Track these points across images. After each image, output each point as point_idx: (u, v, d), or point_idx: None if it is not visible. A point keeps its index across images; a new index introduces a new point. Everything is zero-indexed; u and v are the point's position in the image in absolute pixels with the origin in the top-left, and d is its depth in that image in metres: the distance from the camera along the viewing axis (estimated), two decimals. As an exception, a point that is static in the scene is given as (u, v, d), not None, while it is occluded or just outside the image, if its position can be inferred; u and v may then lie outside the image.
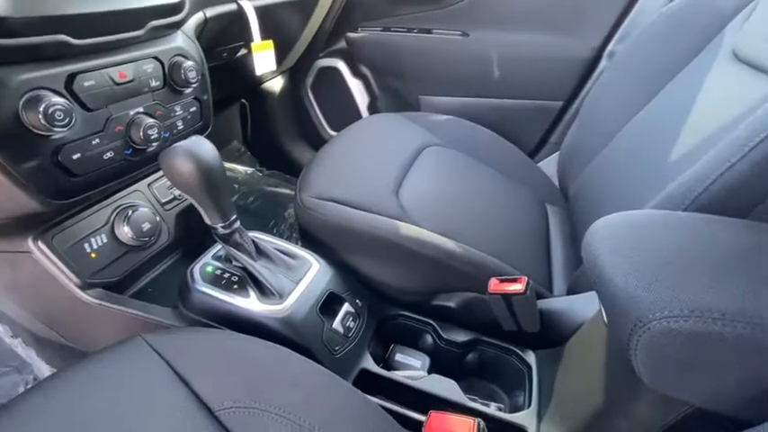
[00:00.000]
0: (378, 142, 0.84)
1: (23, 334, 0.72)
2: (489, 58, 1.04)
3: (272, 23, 0.82)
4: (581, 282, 0.59)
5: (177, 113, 0.60)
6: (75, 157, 0.47)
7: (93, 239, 0.55)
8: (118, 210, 0.58)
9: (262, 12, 0.77)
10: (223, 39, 0.77)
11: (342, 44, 1.16)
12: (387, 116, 0.95)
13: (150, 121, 0.54)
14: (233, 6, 0.72)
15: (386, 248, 0.61)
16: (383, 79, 1.17)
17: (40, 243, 0.51)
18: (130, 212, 0.59)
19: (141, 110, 0.54)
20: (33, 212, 0.48)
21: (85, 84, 0.47)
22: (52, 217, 0.52)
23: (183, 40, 0.60)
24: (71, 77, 0.45)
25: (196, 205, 0.50)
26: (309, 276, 0.57)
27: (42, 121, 0.41)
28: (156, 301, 0.60)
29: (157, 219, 0.62)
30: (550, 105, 1.04)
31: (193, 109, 0.63)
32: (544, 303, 0.57)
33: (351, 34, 1.12)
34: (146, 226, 0.60)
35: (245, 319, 0.51)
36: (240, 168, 1.44)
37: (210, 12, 0.67)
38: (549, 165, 1.04)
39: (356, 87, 1.20)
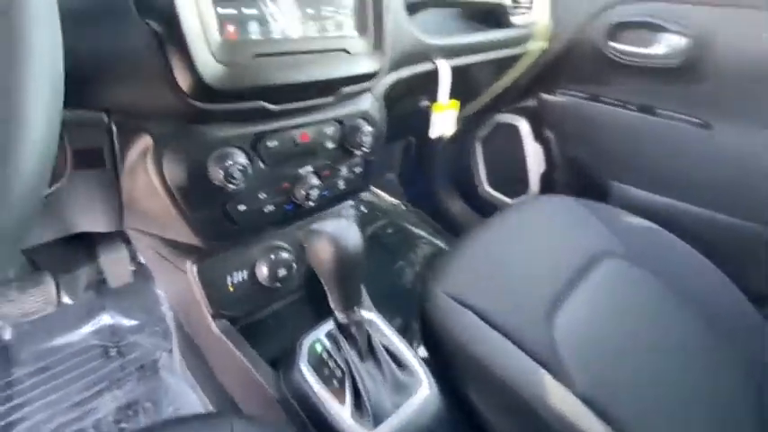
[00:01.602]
0: (544, 235, 0.70)
1: (173, 315, 0.83)
2: (731, 159, 0.77)
3: (461, 80, 0.76)
4: None
5: (342, 174, 0.58)
6: (240, 208, 0.49)
7: (235, 274, 0.58)
8: (263, 252, 0.60)
9: (456, 70, 0.72)
10: (408, 93, 0.74)
11: (530, 103, 1.03)
12: (563, 201, 0.79)
13: (316, 182, 0.53)
14: (429, 66, 0.68)
15: (517, 402, 0.47)
16: (570, 150, 1.00)
17: (194, 268, 0.55)
18: (273, 257, 0.60)
19: (311, 169, 0.54)
20: (195, 245, 0.51)
21: (269, 144, 0.47)
22: (209, 250, 0.56)
23: (369, 103, 0.57)
24: (258, 137, 0.46)
25: (325, 286, 0.47)
26: (414, 403, 0.48)
27: (221, 177, 0.43)
28: (270, 333, 0.60)
29: (294, 265, 0.62)
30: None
31: (358, 170, 0.61)
32: None
33: (545, 96, 0.99)
34: (282, 272, 0.60)
35: (331, 426, 0.46)
36: (387, 198, 1.45)
37: (405, 72, 0.64)
38: (791, 332, 0.71)
39: (534, 152, 1.05)
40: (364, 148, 0.56)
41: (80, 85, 0.35)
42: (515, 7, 0.80)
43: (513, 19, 0.80)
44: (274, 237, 0.62)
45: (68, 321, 0.87)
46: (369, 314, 0.53)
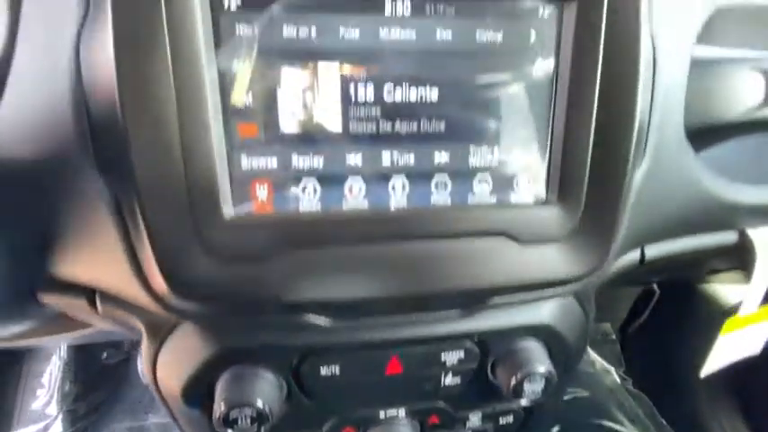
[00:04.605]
0: None
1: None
2: None
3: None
4: None
5: (470, 426, 0.31)
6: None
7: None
8: None
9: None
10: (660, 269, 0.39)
11: None
12: None
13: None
14: (724, 238, 0.33)
15: None
16: None
17: None
18: None
19: (402, 414, 0.29)
20: None
21: (323, 371, 0.26)
22: None
23: (555, 311, 0.29)
24: (303, 357, 0.26)
25: None
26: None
27: (218, 418, 0.24)
28: None
29: None
30: None
31: (508, 420, 0.32)
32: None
33: None
34: None
35: None
36: (593, 357, 0.98)
37: (669, 248, 0.31)
38: None
39: None
40: (530, 397, 0.28)
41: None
42: None
43: None
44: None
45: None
46: None
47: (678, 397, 0.79)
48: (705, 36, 0.28)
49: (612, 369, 0.95)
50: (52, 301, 0.26)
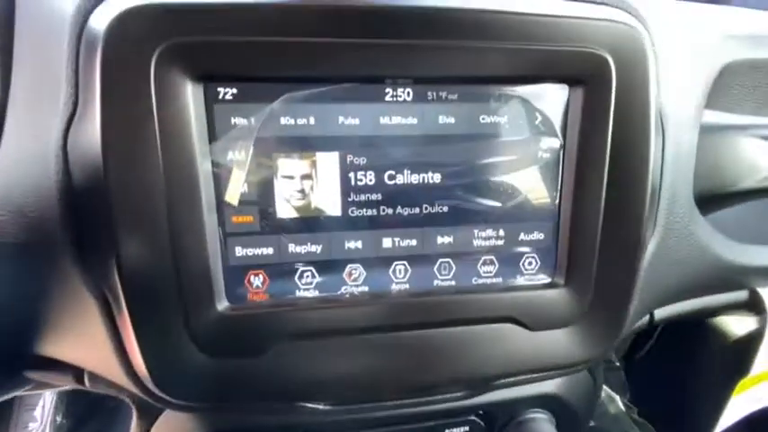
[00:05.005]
0: None
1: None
2: None
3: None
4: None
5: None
6: None
7: None
8: None
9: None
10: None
11: None
12: None
13: None
14: (733, 297, 0.32)
15: None
16: None
17: None
18: None
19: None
20: None
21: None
22: None
23: (567, 381, 0.28)
24: None
25: None
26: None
27: None
28: None
29: None
30: None
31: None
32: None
33: None
34: None
35: None
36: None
37: (680, 309, 0.31)
38: None
39: None
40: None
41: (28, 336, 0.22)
42: None
43: None
44: None
45: None
46: None
47: (684, 426, 0.78)
48: (714, 97, 0.27)
49: (617, 397, 0.93)
50: (38, 377, 0.25)
